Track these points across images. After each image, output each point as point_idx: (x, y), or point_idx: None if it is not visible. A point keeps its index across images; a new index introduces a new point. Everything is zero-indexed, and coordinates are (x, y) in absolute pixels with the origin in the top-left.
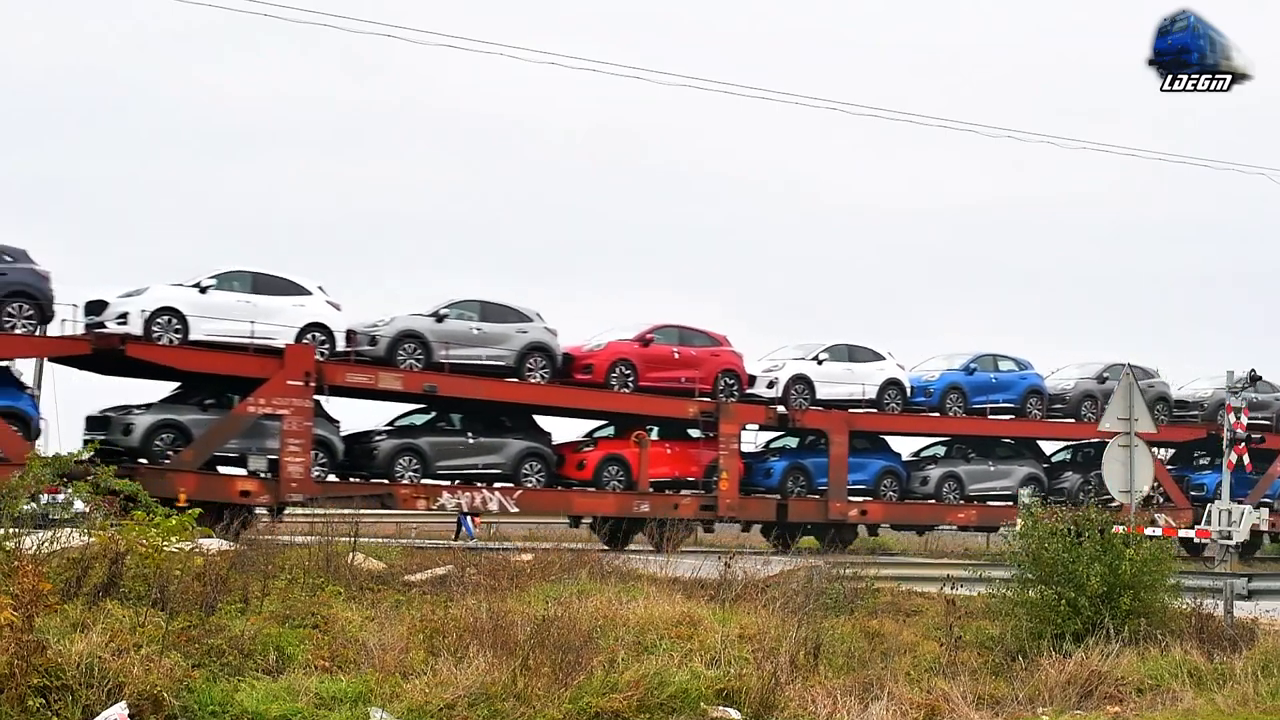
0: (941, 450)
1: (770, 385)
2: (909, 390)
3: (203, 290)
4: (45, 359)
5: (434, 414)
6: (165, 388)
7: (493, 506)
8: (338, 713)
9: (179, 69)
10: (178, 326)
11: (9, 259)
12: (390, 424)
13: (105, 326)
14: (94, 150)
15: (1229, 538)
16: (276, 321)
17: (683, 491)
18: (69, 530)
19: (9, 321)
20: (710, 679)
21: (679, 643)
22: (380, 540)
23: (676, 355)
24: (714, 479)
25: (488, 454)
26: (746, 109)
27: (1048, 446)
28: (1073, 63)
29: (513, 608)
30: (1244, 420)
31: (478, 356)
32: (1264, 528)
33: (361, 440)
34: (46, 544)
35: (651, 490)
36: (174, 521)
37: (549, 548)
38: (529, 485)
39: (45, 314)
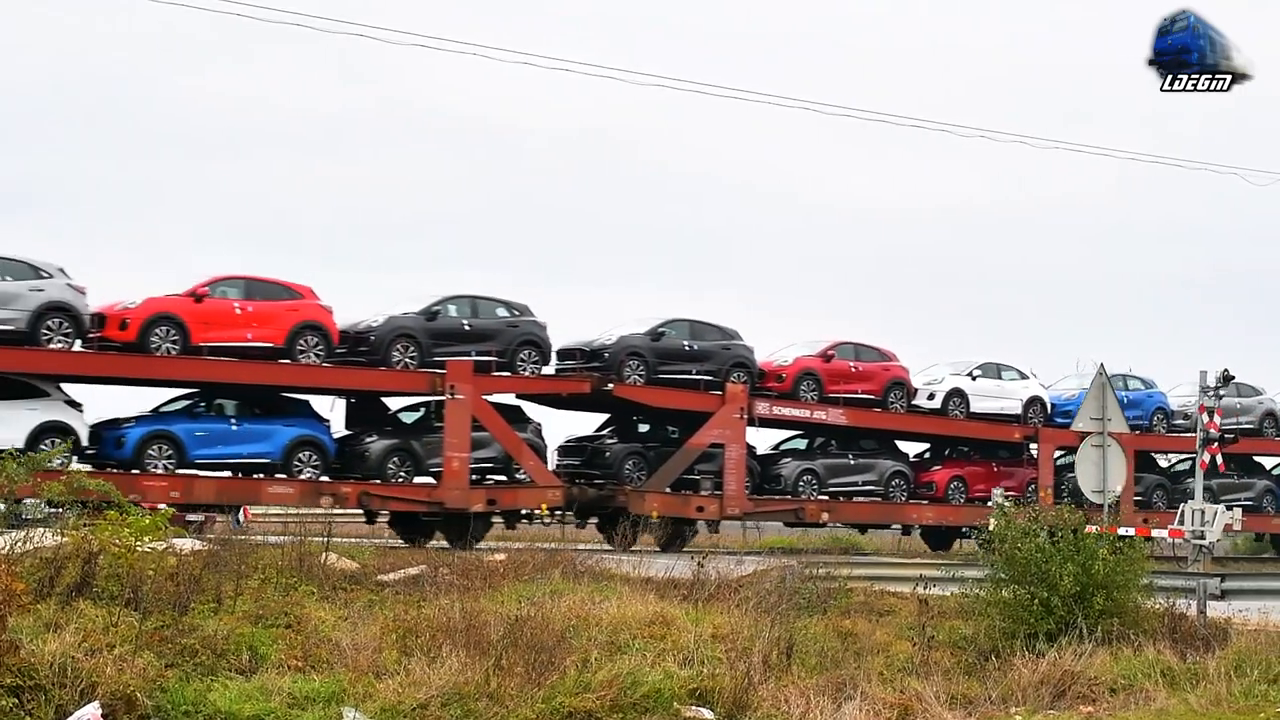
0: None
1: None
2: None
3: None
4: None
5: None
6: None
7: None
8: (311, 712)
9: (166, 72)
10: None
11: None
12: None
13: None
14: (81, 152)
15: (1202, 538)
16: None
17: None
18: (42, 530)
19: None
20: (683, 679)
21: (652, 642)
22: (353, 540)
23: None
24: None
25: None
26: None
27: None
28: (1052, 64)
29: (486, 607)
30: (1217, 421)
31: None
32: (1237, 528)
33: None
34: (20, 544)
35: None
36: (147, 521)
37: (522, 547)
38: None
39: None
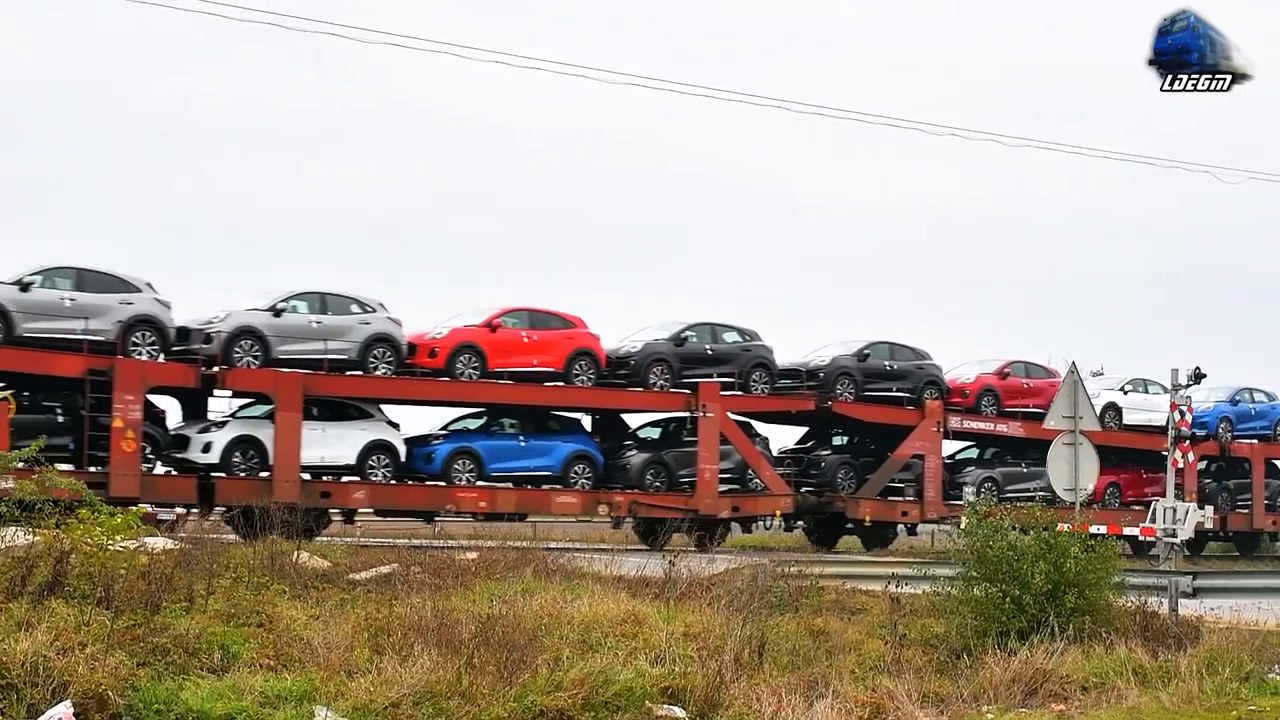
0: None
1: None
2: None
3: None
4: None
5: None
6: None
7: None
8: (282, 711)
9: (154, 72)
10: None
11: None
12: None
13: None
14: (68, 153)
15: (1174, 535)
16: None
17: None
18: (13, 529)
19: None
20: (655, 677)
21: (624, 641)
22: (325, 539)
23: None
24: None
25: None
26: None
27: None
28: (1025, 64)
29: (458, 606)
30: (1189, 418)
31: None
32: (1209, 526)
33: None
34: None
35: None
36: (119, 520)
37: (493, 546)
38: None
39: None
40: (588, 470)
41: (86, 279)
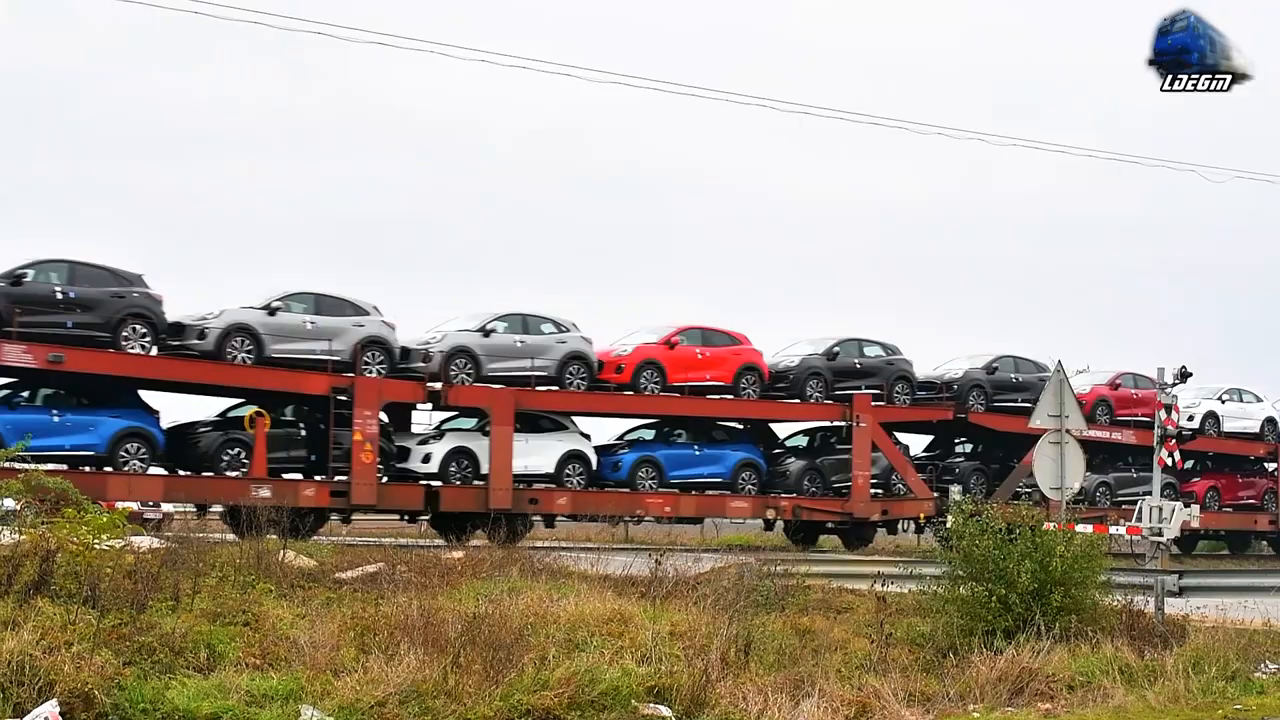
0: None
1: (1190, 419)
2: None
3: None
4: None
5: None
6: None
7: None
8: (269, 710)
9: (125, 71)
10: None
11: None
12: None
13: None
14: (39, 152)
15: (1160, 534)
16: None
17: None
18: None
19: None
20: (641, 676)
21: (610, 640)
22: (312, 538)
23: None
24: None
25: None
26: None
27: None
28: (1011, 62)
29: (444, 605)
30: (1175, 417)
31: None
32: (1194, 524)
33: None
34: None
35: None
36: (104, 519)
37: (480, 545)
38: None
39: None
40: (754, 477)
41: (322, 303)
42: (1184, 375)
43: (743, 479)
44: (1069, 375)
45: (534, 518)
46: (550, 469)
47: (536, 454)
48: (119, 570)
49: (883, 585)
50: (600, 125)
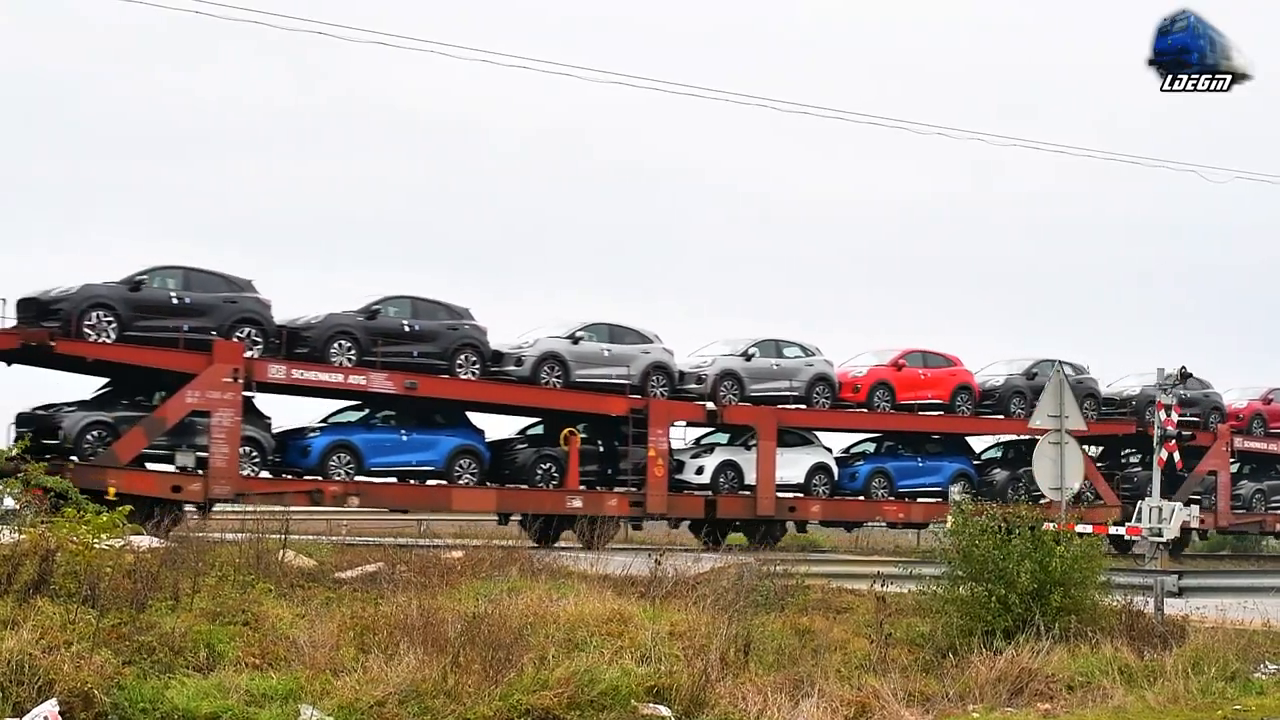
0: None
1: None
2: None
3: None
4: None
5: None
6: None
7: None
8: (268, 710)
9: (127, 71)
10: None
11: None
12: None
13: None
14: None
15: (1159, 535)
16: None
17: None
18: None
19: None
20: (641, 676)
21: (609, 640)
22: (311, 537)
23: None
24: None
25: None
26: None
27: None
28: (1012, 63)
29: (444, 605)
30: (1174, 417)
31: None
32: (1194, 525)
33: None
34: None
35: None
36: (105, 519)
37: (479, 545)
38: None
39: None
40: (968, 486)
41: (615, 332)
42: (1184, 375)
43: (959, 489)
44: (1184, 379)
45: (788, 523)
46: (800, 479)
47: (789, 466)
48: (118, 570)
49: (882, 585)
50: (601, 125)
